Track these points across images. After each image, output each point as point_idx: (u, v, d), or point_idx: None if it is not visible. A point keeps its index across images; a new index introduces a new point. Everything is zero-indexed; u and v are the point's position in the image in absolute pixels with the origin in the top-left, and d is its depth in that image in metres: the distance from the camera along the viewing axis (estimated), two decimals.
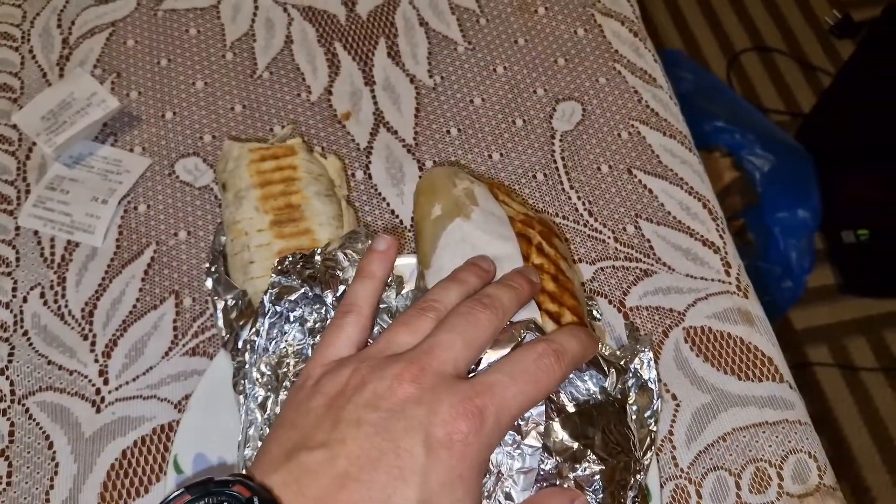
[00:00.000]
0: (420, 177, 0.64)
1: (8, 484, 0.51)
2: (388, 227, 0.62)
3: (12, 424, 0.53)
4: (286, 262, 0.49)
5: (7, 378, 0.55)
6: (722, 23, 1.74)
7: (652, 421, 0.50)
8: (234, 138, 0.62)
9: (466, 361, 0.40)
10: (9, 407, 0.54)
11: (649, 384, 0.51)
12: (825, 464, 0.54)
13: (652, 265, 0.61)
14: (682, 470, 0.54)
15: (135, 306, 0.58)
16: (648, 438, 0.50)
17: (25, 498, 0.51)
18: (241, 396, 0.49)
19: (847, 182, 1.36)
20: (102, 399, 0.54)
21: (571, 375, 0.47)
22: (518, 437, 0.44)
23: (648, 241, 0.62)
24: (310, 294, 0.48)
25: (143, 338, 0.56)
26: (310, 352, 0.48)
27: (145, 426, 0.53)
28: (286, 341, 0.48)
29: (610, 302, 0.59)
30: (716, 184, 1.14)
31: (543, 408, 0.45)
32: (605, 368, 0.47)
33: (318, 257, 0.49)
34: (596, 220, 0.63)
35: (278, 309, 0.48)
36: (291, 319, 0.48)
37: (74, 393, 0.54)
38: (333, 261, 0.49)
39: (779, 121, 1.53)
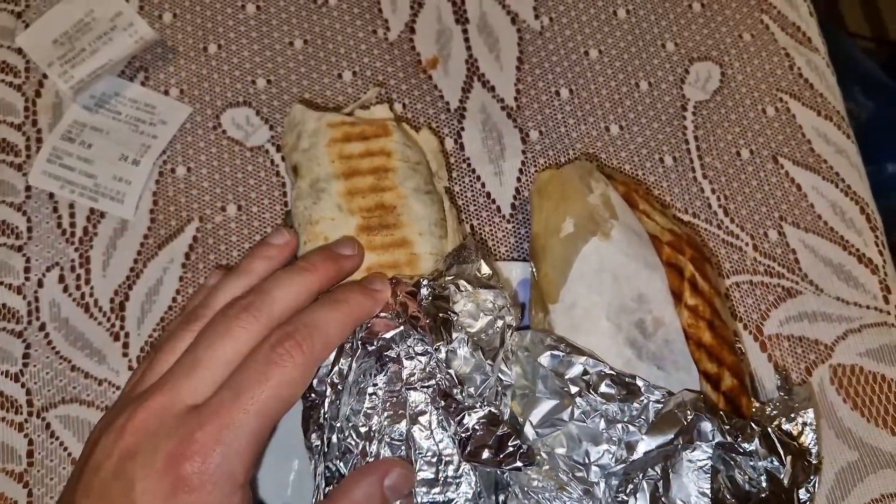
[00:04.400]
0: (538, 170, 0.52)
1: None
2: (481, 214, 0.51)
3: (31, 443, 0.44)
4: None
5: (23, 385, 0.45)
6: None
7: (807, 499, 0.42)
8: (305, 102, 0.49)
9: (212, 383, 0.34)
10: (25, 421, 0.44)
11: (809, 457, 0.42)
12: None
13: (797, 283, 0.51)
14: None
15: (174, 299, 0.47)
16: None
17: None
18: (316, 444, 0.39)
19: None
20: None
21: (736, 457, 0.38)
22: None
23: (794, 251, 0.51)
24: (411, 333, 0.38)
25: None
26: (409, 405, 0.38)
27: None
28: (375, 385, 0.39)
29: (745, 327, 0.50)
30: None
31: None
32: (782, 454, 0.38)
33: (423, 290, 0.38)
34: (733, 220, 0.52)
35: (370, 348, 0.38)
36: (384, 360, 0.38)
37: (105, 407, 0.45)
38: (444, 298, 0.38)
39: (863, 48, 1.37)
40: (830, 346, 0.50)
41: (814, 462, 0.41)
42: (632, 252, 0.41)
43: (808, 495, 0.42)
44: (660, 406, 0.36)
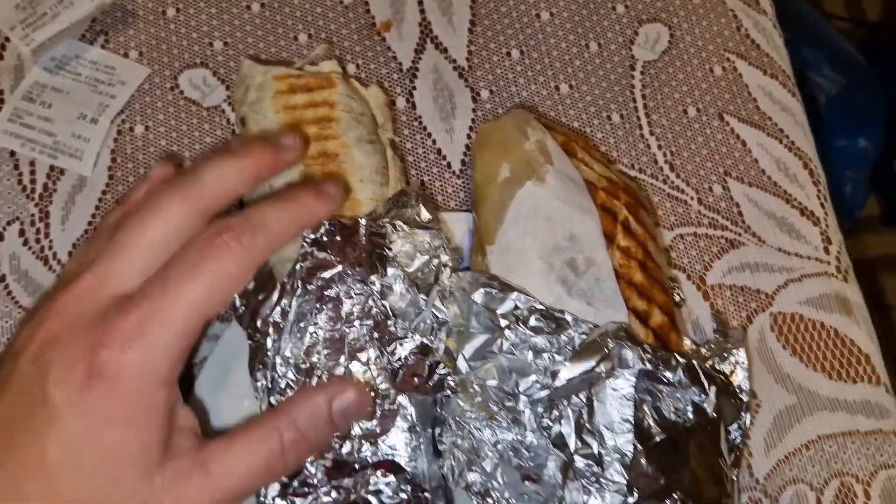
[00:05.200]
0: (482, 124, 0.53)
1: None
2: (432, 170, 0.52)
3: None
4: (321, 231, 0.40)
5: None
6: None
7: (738, 436, 0.43)
8: (254, 58, 0.51)
9: (140, 270, 0.33)
10: None
11: (740, 394, 0.43)
12: None
13: (739, 235, 0.52)
14: (757, 481, 0.47)
15: None
16: (733, 456, 0.43)
17: None
18: (261, 383, 0.41)
19: None
20: None
21: (662, 388, 0.39)
22: (597, 469, 0.37)
23: (737, 204, 0.53)
24: (349, 272, 0.39)
25: None
26: (348, 342, 0.39)
27: None
28: (315, 324, 0.40)
29: (689, 277, 0.51)
30: None
31: (631, 435, 0.38)
32: (705, 384, 0.39)
33: (362, 230, 0.40)
34: (678, 175, 0.53)
35: (310, 287, 0.39)
36: (325, 299, 0.40)
37: None
38: (381, 236, 0.39)
39: (839, 28, 1.39)
40: (771, 295, 0.51)
41: (744, 400, 0.43)
42: (566, 196, 0.42)
43: (740, 431, 0.43)
44: (585, 337, 0.38)
